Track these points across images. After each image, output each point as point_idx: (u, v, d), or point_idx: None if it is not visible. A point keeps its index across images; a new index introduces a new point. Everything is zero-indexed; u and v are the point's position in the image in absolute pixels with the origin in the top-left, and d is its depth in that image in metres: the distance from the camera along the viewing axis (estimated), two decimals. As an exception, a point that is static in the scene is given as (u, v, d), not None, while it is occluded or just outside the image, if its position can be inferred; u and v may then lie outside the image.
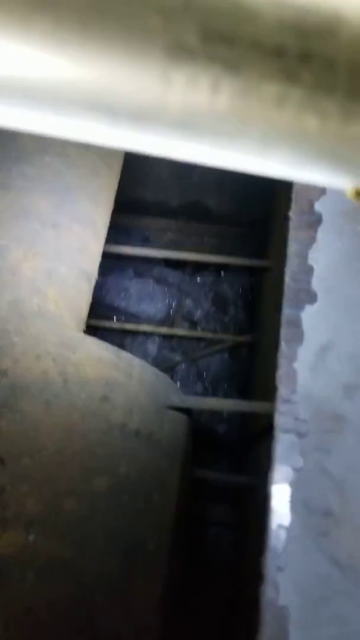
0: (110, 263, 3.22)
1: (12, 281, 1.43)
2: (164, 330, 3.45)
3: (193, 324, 3.99)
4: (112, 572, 1.29)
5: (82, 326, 1.55)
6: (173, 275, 4.18)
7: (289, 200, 1.46)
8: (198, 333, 3.49)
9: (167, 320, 3.96)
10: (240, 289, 4.09)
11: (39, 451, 1.25)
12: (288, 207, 1.45)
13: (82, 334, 1.41)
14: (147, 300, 4.10)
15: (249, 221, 3.57)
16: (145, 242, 3.94)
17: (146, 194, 3.48)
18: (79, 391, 1.34)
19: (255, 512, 1.76)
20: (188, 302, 4.14)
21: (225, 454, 3.34)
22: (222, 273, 4.18)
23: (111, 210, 1.73)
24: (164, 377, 1.54)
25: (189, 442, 1.59)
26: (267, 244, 3.07)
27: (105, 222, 1.71)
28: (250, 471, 2.20)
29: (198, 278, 4.14)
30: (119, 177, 1.79)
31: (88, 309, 1.62)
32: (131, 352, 3.85)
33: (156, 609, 1.39)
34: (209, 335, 3.43)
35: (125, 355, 1.46)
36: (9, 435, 1.24)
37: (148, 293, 4.13)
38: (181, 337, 3.52)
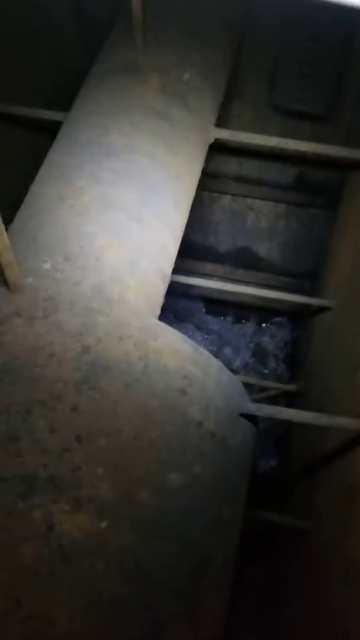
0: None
1: (96, 266, 1.40)
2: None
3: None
4: (182, 580, 1.16)
5: (157, 322, 1.50)
6: (214, 323, 4.15)
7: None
8: (242, 377, 3.39)
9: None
10: (282, 341, 4.03)
11: (116, 433, 1.17)
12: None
13: (163, 323, 1.36)
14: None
15: (298, 272, 3.56)
16: (188, 287, 3.93)
17: (197, 236, 3.51)
18: (158, 379, 1.27)
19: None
20: (227, 351, 4.07)
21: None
22: (264, 325, 4.14)
23: (188, 214, 1.72)
24: (238, 383, 1.46)
25: (254, 453, 1.49)
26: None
27: (182, 226, 1.69)
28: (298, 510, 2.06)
29: (239, 327, 4.10)
30: (197, 185, 1.79)
31: (159, 311, 1.58)
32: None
33: (220, 632, 1.25)
34: (251, 380, 3.34)
35: (203, 351, 1.39)
36: (87, 413, 1.16)
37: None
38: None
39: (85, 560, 1.05)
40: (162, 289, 1.56)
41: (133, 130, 1.63)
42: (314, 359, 2.83)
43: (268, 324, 4.06)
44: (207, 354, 1.40)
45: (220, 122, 2.00)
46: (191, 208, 3.15)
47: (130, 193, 1.53)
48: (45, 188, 1.53)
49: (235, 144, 1.95)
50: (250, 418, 1.46)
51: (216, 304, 4.03)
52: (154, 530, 1.14)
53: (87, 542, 1.06)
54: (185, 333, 4.25)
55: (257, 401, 3.42)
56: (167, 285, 1.61)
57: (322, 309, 2.72)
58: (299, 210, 3.23)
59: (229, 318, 4.07)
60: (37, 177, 1.61)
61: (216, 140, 1.91)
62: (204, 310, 4.06)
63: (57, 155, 1.63)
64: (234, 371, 3.85)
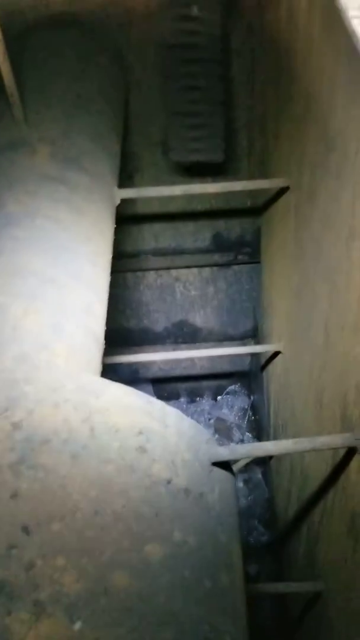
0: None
1: (15, 337, 1.24)
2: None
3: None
4: None
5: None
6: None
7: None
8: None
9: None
10: (241, 409, 3.87)
11: (72, 513, 0.97)
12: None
13: (103, 379, 1.20)
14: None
15: (239, 333, 3.48)
16: (134, 374, 3.77)
17: (131, 322, 3.40)
18: (110, 441, 1.09)
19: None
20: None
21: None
22: (219, 397, 3.99)
23: (109, 277, 1.61)
24: (202, 429, 1.30)
25: (237, 507, 1.30)
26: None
27: (105, 286, 1.57)
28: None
29: (194, 405, 3.92)
30: (112, 246, 1.70)
31: (100, 374, 1.42)
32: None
33: None
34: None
35: (157, 402, 1.23)
36: (32, 497, 0.96)
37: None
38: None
39: None
40: (96, 352, 1.41)
41: (30, 198, 1.55)
42: (276, 414, 2.70)
43: (223, 395, 3.93)
44: (160, 403, 1.24)
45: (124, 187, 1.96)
46: (118, 293, 3.06)
47: (39, 257, 1.42)
48: None
49: (143, 206, 1.90)
50: (224, 465, 1.28)
51: (167, 388, 3.87)
52: (141, 619, 0.92)
53: (61, 656, 0.83)
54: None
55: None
56: (102, 349, 1.46)
57: (272, 358, 2.63)
58: (224, 270, 3.21)
59: (183, 399, 3.92)
60: None
61: (122, 199, 1.86)
62: (155, 396, 3.88)
63: None
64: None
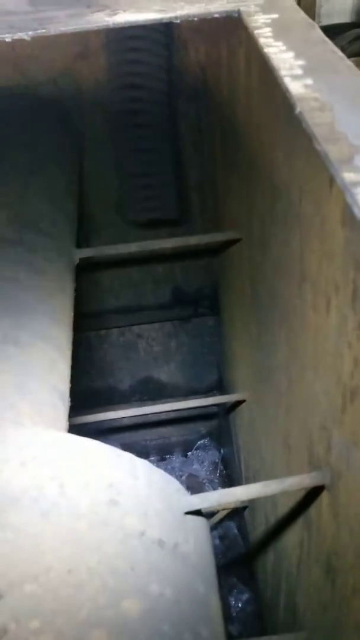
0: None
1: (-22, 398, 1.23)
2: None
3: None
4: None
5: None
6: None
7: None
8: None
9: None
10: (212, 463, 3.84)
11: (45, 573, 0.94)
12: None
13: (70, 434, 1.19)
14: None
15: (203, 386, 3.50)
16: (102, 435, 3.71)
17: (96, 382, 3.39)
18: (80, 496, 1.08)
19: None
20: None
21: None
22: (189, 453, 3.95)
23: (72, 332, 1.62)
24: (172, 480, 1.29)
25: (214, 558, 1.28)
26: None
27: (68, 344, 1.58)
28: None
29: (165, 463, 3.87)
30: (73, 304, 1.72)
31: (66, 432, 1.41)
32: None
33: None
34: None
35: (125, 454, 1.23)
36: (2, 558, 0.94)
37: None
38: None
39: None
40: (62, 407, 1.41)
41: (-13, 260, 1.57)
42: (247, 465, 2.69)
43: (193, 451, 3.90)
44: (129, 455, 1.24)
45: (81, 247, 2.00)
46: (81, 353, 3.06)
47: (0, 318, 1.42)
48: None
49: (102, 265, 1.95)
50: (197, 514, 1.27)
51: (136, 448, 3.83)
52: None
53: None
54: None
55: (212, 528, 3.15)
56: (67, 407, 1.46)
57: (237, 408, 2.65)
58: (185, 324, 3.26)
59: (153, 457, 3.86)
60: None
61: (80, 259, 1.90)
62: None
63: None
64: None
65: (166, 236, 2.40)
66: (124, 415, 2.45)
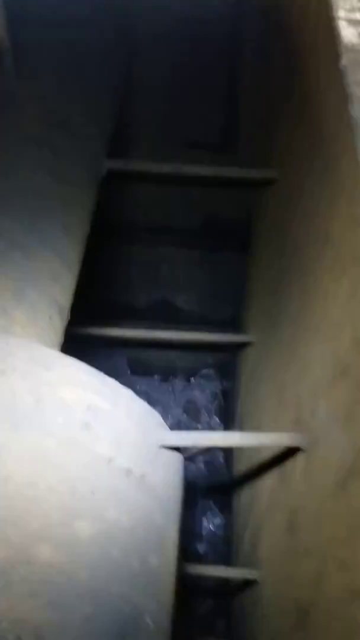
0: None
1: (-27, 298, 1.23)
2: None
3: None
4: (102, 654, 0.94)
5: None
6: (141, 383, 3.96)
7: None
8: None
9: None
10: (212, 393, 3.89)
11: (4, 482, 0.97)
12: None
13: (59, 352, 1.19)
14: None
15: (218, 319, 3.48)
16: (110, 347, 3.77)
17: (112, 294, 3.38)
18: (54, 415, 1.09)
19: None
20: (158, 410, 3.87)
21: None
22: (192, 379, 3.99)
23: (83, 247, 1.59)
24: (153, 412, 1.30)
25: (183, 490, 1.31)
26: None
27: (77, 258, 1.55)
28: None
29: (167, 385, 3.93)
30: (91, 214, 1.67)
31: (59, 347, 1.41)
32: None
33: None
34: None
35: (110, 380, 1.22)
36: (-34, 461, 0.96)
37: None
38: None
39: (-33, 645, 0.82)
40: (58, 321, 1.40)
41: (8, 157, 1.52)
42: (243, 403, 2.71)
43: (196, 378, 3.93)
44: (114, 382, 1.24)
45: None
46: (102, 264, 3.04)
47: (11, 221, 1.39)
48: None
49: (131, 174, 1.87)
50: (174, 450, 1.28)
51: (142, 365, 3.88)
52: (59, 592, 0.93)
53: (-29, 621, 0.84)
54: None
55: (193, 457, 3.23)
56: (65, 320, 1.45)
57: (246, 348, 2.63)
58: (211, 255, 3.19)
59: (156, 377, 3.92)
60: None
61: (109, 170, 1.83)
62: (129, 371, 3.89)
63: None
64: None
65: (206, 163, 2.29)
66: (134, 335, 2.44)
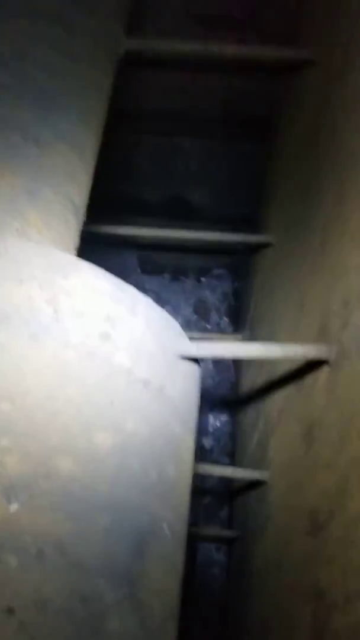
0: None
1: (-15, 197, 1.14)
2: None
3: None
4: (121, 561, 0.96)
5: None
6: (151, 282, 3.91)
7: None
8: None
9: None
10: (223, 294, 3.85)
11: (23, 395, 0.94)
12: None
13: (75, 258, 1.12)
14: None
15: (235, 217, 3.34)
16: (121, 243, 3.67)
17: (122, 186, 3.23)
18: (73, 325, 1.04)
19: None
20: (167, 309, 3.85)
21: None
22: (203, 279, 3.93)
23: (100, 140, 1.47)
24: (172, 321, 1.25)
25: (199, 403, 1.29)
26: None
27: (94, 150, 1.44)
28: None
29: (177, 284, 3.88)
30: (109, 100, 1.53)
31: (75, 250, 1.33)
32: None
33: (172, 614, 1.06)
34: (195, 336, 3.14)
35: (128, 288, 1.16)
36: (-17, 372, 0.92)
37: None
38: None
39: (-10, 555, 0.82)
40: (74, 223, 1.31)
41: (22, 37, 1.36)
42: (257, 306, 2.66)
43: (207, 277, 3.87)
44: (132, 289, 1.18)
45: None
46: (112, 154, 2.87)
47: (24, 111, 1.27)
48: None
49: (150, 55, 1.69)
50: (191, 360, 1.25)
51: (152, 263, 3.79)
52: (79, 505, 0.93)
53: (-6, 532, 0.84)
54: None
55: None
56: (81, 221, 1.37)
57: (263, 248, 2.54)
58: (230, 145, 3.00)
59: (167, 276, 3.85)
60: None
61: (127, 51, 1.65)
62: (139, 270, 3.82)
63: None
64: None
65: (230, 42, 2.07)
66: (145, 234, 2.36)
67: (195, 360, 1.27)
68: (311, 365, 1.33)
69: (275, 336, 1.94)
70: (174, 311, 3.81)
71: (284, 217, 2.22)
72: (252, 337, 2.61)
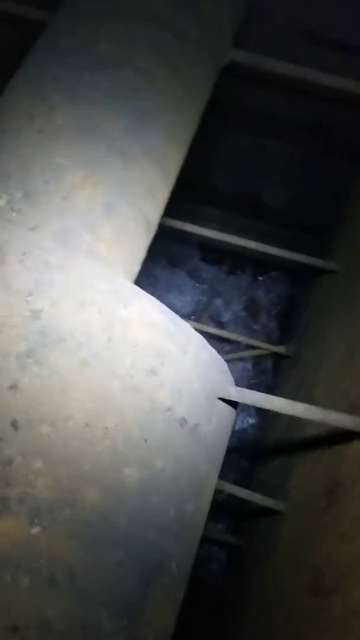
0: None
1: (62, 208, 1.14)
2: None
3: (219, 325, 3.69)
4: (125, 594, 0.99)
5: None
6: (208, 271, 3.89)
7: None
8: (225, 333, 3.18)
9: (193, 317, 3.66)
10: (277, 297, 3.80)
11: (64, 420, 0.96)
12: None
13: (137, 288, 1.13)
14: (175, 292, 3.80)
15: (306, 225, 3.27)
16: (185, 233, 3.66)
17: (198, 175, 3.20)
18: (124, 356, 1.05)
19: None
20: (218, 302, 3.84)
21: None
22: (260, 277, 3.89)
23: (185, 155, 1.45)
24: (220, 361, 1.25)
25: (227, 444, 1.30)
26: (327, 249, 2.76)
27: (178, 165, 1.42)
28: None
29: (233, 278, 3.85)
30: (201, 116, 1.50)
31: (140, 267, 1.34)
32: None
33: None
34: (238, 338, 3.13)
35: (183, 324, 1.17)
36: (29, 393, 0.95)
37: (178, 285, 3.83)
38: (206, 335, 3.22)
39: (5, 574, 0.86)
40: (144, 240, 1.32)
41: (128, 40, 1.34)
42: (309, 323, 2.62)
43: (264, 277, 3.82)
44: (187, 326, 1.18)
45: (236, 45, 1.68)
46: (194, 143, 2.83)
47: (115, 119, 1.26)
48: (13, 103, 1.26)
49: (252, 70, 1.65)
50: (229, 401, 1.25)
51: (213, 251, 3.77)
52: (97, 536, 0.96)
53: (12, 552, 0.88)
54: (177, 280, 3.94)
55: (240, 360, 3.23)
56: (151, 237, 1.37)
57: (325, 271, 2.49)
58: (316, 155, 2.92)
59: (225, 267, 3.83)
60: (8, 89, 1.33)
61: (231, 62, 1.61)
62: (199, 257, 3.80)
63: (32, 63, 1.34)
64: (223, 324, 3.65)
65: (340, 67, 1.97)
66: (210, 236, 2.34)
67: (234, 403, 1.27)
68: (350, 434, 1.32)
69: (320, 372, 1.92)
70: (225, 305, 3.79)
71: (353, 250, 2.16)
72: (297, 356, 2.59)
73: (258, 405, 1.23)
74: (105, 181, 1.21)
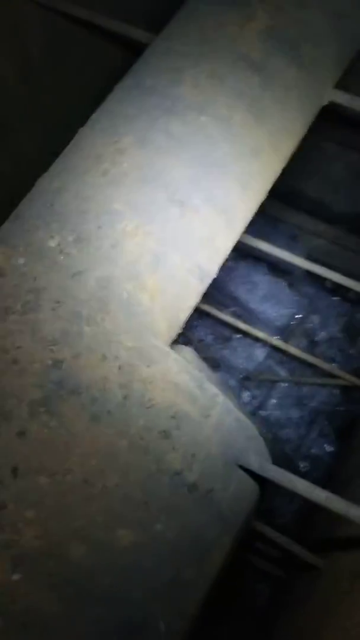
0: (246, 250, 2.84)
1: (110, 255, 1.16)
2: (277, 343, 3.08)
3: (312, 344, 3.56)
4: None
5: (175, 333, 1.25)
6: (310, 286, 3.75)
7: None
8: (313, 359, 3.06)
9: (286, 331, 3.56)
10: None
11: (64, 474, 0.99)
12: None
13: (166, 348, 1.12)
14: (272, 301, 3.71)
15: None
16: (292, 240, 3.54)
17: (308, 188, 3.07)
18: (137, 415, 1.06)
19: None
20: (315, 319, 3.70)
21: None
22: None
23: (259, 203, 1.40)
24: (248, 427, 1.21)
25: (251, 519, 1.26)
26: None
27: (246, 215, 1.38)
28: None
29: (335, 298, 3.68)
30: (283, 165, 1.44)
31: (189, 314, 1.32)
32: (236, 350, 3.52)
33: None
34: (324, 366, 3.01)
35: (210, 388, 1.14)
36: (35, 442, 0.99)
37: (275, 295, 3.74)
38: (294, 356, 3.12)
39: (-21, 615, 0.91)
40: (195, 289, 1.29)
41: (212, 83, 1.31)
42: None
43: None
44: (214, 390, 1.15)
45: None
46: (310, 160, 2.71)
47: (182, 166, 1.24)
48: (86, 141, 1.28)
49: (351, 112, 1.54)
50: (253, 474, 1.21)
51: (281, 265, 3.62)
52: (77, 591, 0.98)
53: (-10, 595, 0.92)
54: (276, 289, 3.84)
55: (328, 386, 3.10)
56: (205, 286, 1.34)
57: None
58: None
59: (328, 284, 3.67)
60: (88, 122, 1.35)
61: (330, 103, 1.51)
62: (266, 271, 3.67)
63: (114, 98, 1.34)
64: (316, 343, 3.52)
65: None
66: (277, 255, 2.19)
67: (259, 477, 1.22)
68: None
69: None
70: (322, 323, 3.65)
71: None
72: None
73: (277, 481, 1.18)
74: (160, 231, 1.20)
